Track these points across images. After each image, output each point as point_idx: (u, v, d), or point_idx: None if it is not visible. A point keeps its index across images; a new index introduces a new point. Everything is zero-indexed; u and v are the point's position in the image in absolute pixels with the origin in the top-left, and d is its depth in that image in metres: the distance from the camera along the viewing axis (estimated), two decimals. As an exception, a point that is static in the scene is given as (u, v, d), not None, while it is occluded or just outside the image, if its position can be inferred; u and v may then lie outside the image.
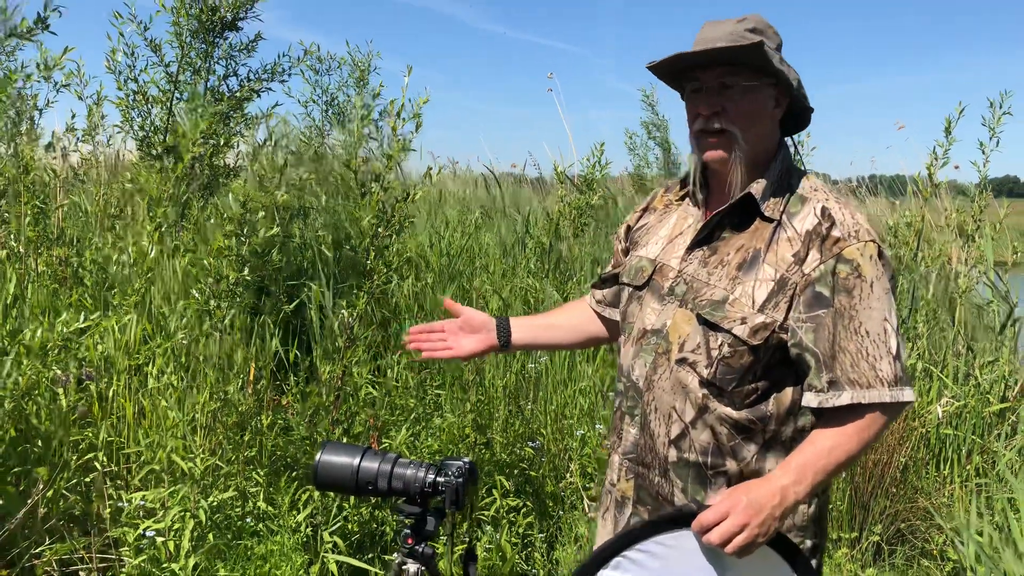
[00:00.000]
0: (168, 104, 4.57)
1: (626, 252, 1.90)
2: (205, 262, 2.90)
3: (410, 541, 1.94)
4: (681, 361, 1.61)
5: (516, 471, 3.65)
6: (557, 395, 3.93)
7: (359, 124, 3.26)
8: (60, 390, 3.09)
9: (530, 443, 3.71)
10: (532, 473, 3.62)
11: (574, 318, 2.06)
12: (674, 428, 1.63)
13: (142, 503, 2.90)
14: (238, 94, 4.71)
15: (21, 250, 3.85)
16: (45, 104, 4.71)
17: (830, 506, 3.86)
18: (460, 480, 1.85)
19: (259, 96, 4.79)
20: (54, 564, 2.82)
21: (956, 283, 4.76)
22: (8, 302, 3.42)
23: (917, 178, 4.81)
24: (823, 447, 1.49)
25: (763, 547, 1.46)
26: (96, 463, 3.08)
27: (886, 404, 1.49)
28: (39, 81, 3.88)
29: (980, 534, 2.90)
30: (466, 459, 1.86)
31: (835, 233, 1.52)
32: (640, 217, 1.90)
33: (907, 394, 1.50)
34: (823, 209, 1.56)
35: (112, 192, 4.65)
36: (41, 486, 2.83)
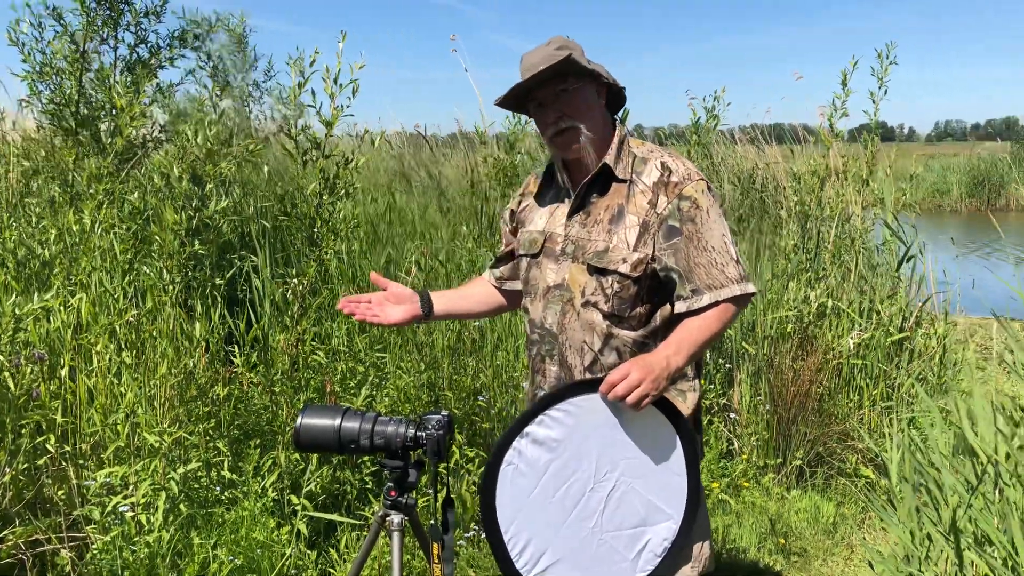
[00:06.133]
0: (78, 76, 4.41)
1: (514, 232, 2.28)
2: (157, 236, 2.88)
3: (393, 493, 2.06)
4: (586, 304, 2.00)
5: (467, 424, 3.80)
6: (500, 352, 4.08)
7: (295, 92, 3.26)
8: (8, 374, 3.04)
9: (479, 397, 3.86)
10: (484, 425, 3.77)
11: (482, 291, 2.41)
12: (587, 358, 2.02)
13: (107, 480, 2.90)
14: (151, 63, 4.59)
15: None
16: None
17: (755, 436, 4.18)
18: (440, 432, 1.98)
19: (174, 65, 4.69)
20: (21, 546, 2.79)
21: (855, 225, 5.14)
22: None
23: (820, 129, 5.12)
24: (693, 327, 1.91)
25: (652, 410, 1.84)
26: (48, 445, 3.05)
27: (736, 296, 1.93)
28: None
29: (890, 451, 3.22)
30: (444, 412, 2.00)
31: (674, 179, 1.97)
32: (520, 202, 2.28)
33: (750, 287, 1.96)
34: (662, 163, 2.00)
35: (18, 169, 4.46)
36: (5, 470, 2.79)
